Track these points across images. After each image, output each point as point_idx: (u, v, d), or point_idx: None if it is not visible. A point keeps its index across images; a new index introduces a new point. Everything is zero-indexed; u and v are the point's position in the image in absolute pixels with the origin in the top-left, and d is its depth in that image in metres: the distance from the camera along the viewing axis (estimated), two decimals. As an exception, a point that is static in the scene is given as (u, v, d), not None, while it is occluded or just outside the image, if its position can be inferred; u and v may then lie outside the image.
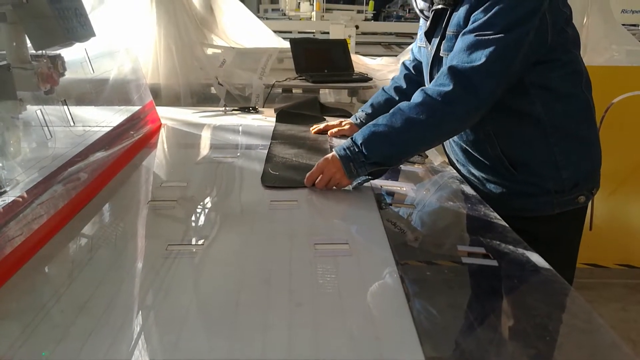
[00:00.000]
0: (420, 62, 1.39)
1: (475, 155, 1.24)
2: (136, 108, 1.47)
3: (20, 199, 0.80)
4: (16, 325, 0.64)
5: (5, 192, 0.78)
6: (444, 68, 1.09)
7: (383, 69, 2.64)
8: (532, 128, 1.16)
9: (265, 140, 1.48)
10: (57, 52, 1.00)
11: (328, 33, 3.43)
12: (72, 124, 1.06)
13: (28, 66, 0.92)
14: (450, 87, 1.05)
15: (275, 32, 2.88)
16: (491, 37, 1.04)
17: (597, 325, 0.68)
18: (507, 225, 0.97)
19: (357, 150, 1.09)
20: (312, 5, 4.96)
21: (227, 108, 1.94)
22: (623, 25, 2.82)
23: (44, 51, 0.96)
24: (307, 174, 1.12)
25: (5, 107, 0.86)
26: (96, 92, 1.26)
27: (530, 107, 1.14)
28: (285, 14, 6.00)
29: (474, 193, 1.16)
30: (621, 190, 2.30)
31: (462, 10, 1.11)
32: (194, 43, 2.48)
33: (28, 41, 0.93)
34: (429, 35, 1.25)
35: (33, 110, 0.92)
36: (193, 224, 0.98)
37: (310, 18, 4.96)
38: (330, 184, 1.11)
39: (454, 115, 1.07)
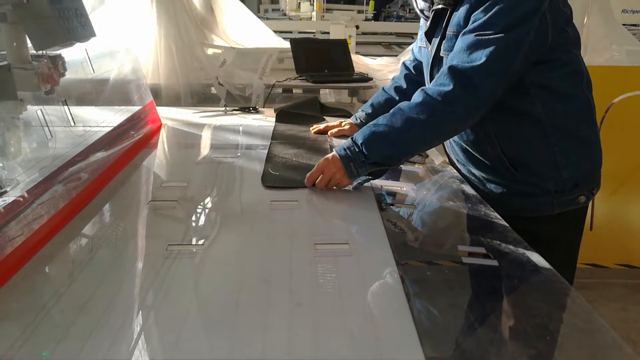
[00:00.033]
0: (421, 62, 1.39)
1: (476, 155, 1.24)
2: (136, 108, 1.47)
3: (21, 199, 0.80)
4: (16, 325, 0.64)
5: (5, 192, 0.78)
6: (444, 68, 1.09)
7: (383, 69, 2.65)
8: (533, 128, 1.16)
9: (266, 141, 1.48)
10: (58, 52, 1.00)
11: (328, 33, 3.43)
12: (72, 124, 1.06)
13: (28, 66, 0.92)
14: (450, 87, 1.05)
15: (276, 32, 2.88)
16: (491, 36, 1.04)
17: (597, 325, 0.67)
18: (507, 225, 0.97)
19: (357, 150, 1.09)
20: (313, 5, 4.96)
21: (228, 108, 1.94)
22: (623, 25, 2.82)
23: (44, 51, 0.96)
24: (308, 174, 1.12)
25: (5, 107, 0.86)
26: (96, 92, 1.26)
27: (531, 107, 1.14)
28: (285, 14, 6.00)
29: (474, 193, 1.16)
30: (621, 190, 2.30)
31: (462, 10, 1.11)
32: (194, 43, 2.48)
33: (28, 41, 0.94)
34: (429, 35, 1.25)
35: (33, 111, 0.92)
36: (193, 224, 0.98)
37: (311, 18, 4.96)
38: (330, 184, 1.11)
39: (454, 115, 1.07)
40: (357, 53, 2.91)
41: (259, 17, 3.19)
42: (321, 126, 1.58)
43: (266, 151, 1.37)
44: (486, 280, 0.82)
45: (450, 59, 1.10)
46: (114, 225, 0.98)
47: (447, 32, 1.16)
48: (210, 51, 2.59)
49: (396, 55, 2.85)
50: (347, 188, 1.12)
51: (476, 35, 1.05)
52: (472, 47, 1.05)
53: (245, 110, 1.94)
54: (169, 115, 1.79)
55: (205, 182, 1.20)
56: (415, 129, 1.08)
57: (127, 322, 0.65)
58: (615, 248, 2.39)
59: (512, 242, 0.89)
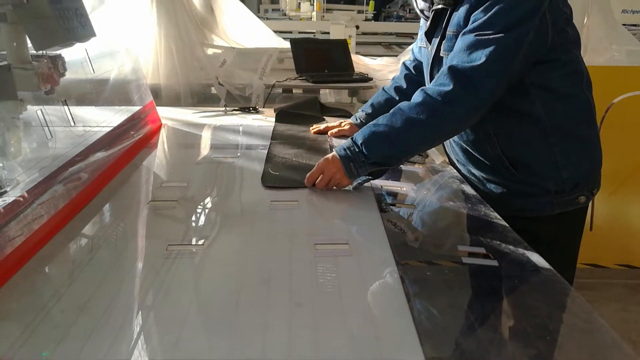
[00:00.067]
0: (421, 62, 1.39)
1: (476, 155, 1.24)
2: (136, 108, 1.47)
3: (21, 199, 0.80)
4: (16, 326, 0.64)
5: (5, 192, 0.78)
6: (444, 68, 1.09)
7: (383, 69, 2.65)
8: (533, 128, 1.16)
9: (266, 141, 1.48)
10: (58, 52, 1.00)
11: (328, 33, 3.43)
12: (72, 124, 1.06)
13: (28, 66, 0.92)
14: (450, 87, 1.05)
15: (276, 32, 2.88)
16: (491, 36, 1.04)
17: (597, 326, 0.67)
18: (507, 225, 0.97)
19: (357, 150, 1.09)
20: (313, 5, 4.96)
21: (228, 108, 1.94)
22: (623, 25, 2.82)
23: (44, 51, 0.96)
24: (308, 174, 1.12)
25: (5, 108, 0.86)
26: (96, 92, 1.26)
27: (531, 107, 1.14)
28: (285, 14, 6.00)
29: (474, 193, 1.16)
30: (621, 190, 2.30)
31: (462, 10, 1.11)
32: (195, 43, 2.48)
33: (29, 41, 0.94)
34: (429, 35, 1.25)
35: (33, 111, 0.92)
36: (193, 224, 0.98)
37: (311, 18, 4.96)
38: (330, 184, 1.11)
39: (454, 115, 1.07)
40: (357, 53, 2.91)
41: (259, 17, 3.19)
42: (321, 126, 1.58)
43: (266, 151, 1.37)
44: (486, 280, 0.82)
45: (450, 59, 1.10)
46: (114, 225, 0.98)
47: (447, 32, 1.16)
48: (210, 51, 2.59)
49: (396, 56, 2.85)
50: (347, 188, 1.12)
51: (476, 35, 1.05)
52: (472, 47, 1.05)
53: (245, 110, 1.94)
54: (169, 115, 1.79)
55: (205, 182, 1.20)
56: (415, 129, 1.08)
57: (127, 322, 0.65)
58: (615, 248, 2.39)
59: (512, 243, 0.89)
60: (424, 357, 0.59)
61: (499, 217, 1.01)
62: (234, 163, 1.31)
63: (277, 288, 0.73)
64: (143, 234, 0.93)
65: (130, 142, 1.33)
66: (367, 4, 5.87)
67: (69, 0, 1.03)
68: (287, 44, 2.62)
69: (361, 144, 1.08)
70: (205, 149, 1.51)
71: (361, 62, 2.73)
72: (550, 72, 1.12)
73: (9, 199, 0.78)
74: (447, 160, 1.41)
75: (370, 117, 1.44)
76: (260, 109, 1.96)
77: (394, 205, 1.08)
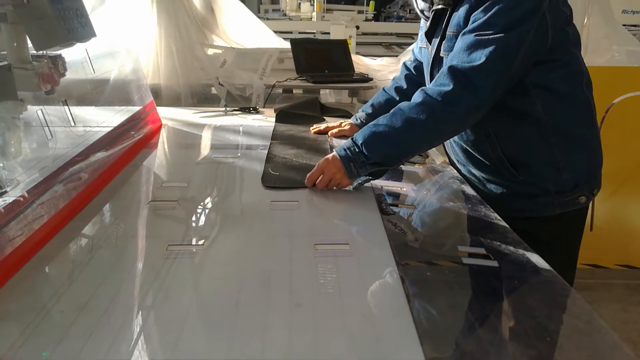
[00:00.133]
0: (421, 63, 1.39)
1: (476, 155, 1.24)
2: (137, 108, 1.47)
3: (21, 199, 0.80)
4: (16, 326, 0.64)
5: (6, 192, 0.78)
6: (444, 68, 1.09)
7: (383, 70, 2.65)
8: (533, 128, 1.16)
9: (266, 141, 1.48)
10: (58, 52, 1.00)
11: (329, 33, 3.43)
12: (72, 124, 1.06)
13: (29, 66, 0.92)
14: (450, 87, 1.05)
15: (276, 32, 2.88)
16: (491, 36, 1.04)
17: (597, 326, 0.67)
18: (507, 226, 0.97)
19: (357, 150, 1.09)
20: (313, 5, 4.96)
21: (228, 108, 1.94)
22: (624, 25, 2.82)
23: (44, 51, 0.96)
24: (308, 175, 1.12)
25: (6, 108, 0.86)
26: (97, 93, 1.26)
27: (531, 108, 1.14)
28: (285, 15, 6.00)
29: (475, 193, 1.16)
30: (622, 190, 2.30)
31: (462, 11, 1.11)
32: (195, 43, 2.48)
33: (29, 41, 0.94)
34: (429, 36, 1.25)
35: (34, 111, 0.92)
36: (193, 224, 0.98)
37: (311, 18, 4.96)
38: (330, 185, 1.11)
39: (454, 115, 1.07)
40: (357, 53, 2.91)
41: (259, 17, 3.19)
42: (321, 126, 1.58)
43: (266, 151, 1.37)
44: (486, 281, 0.82)
45: (450, 59, 1.10)
46: (114, 225, 0.98)
47: (447, 33, 1.16)
48: (210, 51, 2.59)
49: (396, 56, 2.85)
50: (347, 188, 1.12)
51: (476, 35, 1.05)
52: (472, 47, 1.05)
53: (246, 110, 1.94)
54: (169, 116, 1.79)
55: (205, 183, 1.20)
56: (415, 129, 1.08)
57: (127, 322, 0.65)
58: (615, 248, 2.39)
59: (512, 243, 0.89)
60: (424, 357, 0.59)
61: (499, 217, 1.01)
62: (234, 163, 1.31)
63: (277, 288, 0.73)
64: (143, 234, 0.93)
65: (131, 142, 1.33)
66: (368, 4, 5.88)
67: (70, 0, 1.03)
68: (287, 44, 2.62)
69: (361, 144, 1.08)
70: (205, 149, 1.51)
71: (361, 63, 2.73)
72: (551, 72, 1.12)
73: (9, 199, 0.78)
74: (447, 160, 1.41)
75: (370, 117, 1.44)
76: (260, 109, 1.96)
77: (394, 205, 1.08)
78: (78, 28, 1.05)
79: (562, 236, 1.24)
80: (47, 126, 0.94)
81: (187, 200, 1.07)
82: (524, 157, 1.19)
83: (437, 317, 0.69)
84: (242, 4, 2.80)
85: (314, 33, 4.23)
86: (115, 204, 1.06)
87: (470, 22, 1.09)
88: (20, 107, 0.88)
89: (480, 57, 1.04)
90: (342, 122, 1.55)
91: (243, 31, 2.77)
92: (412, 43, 2.31)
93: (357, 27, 3.59)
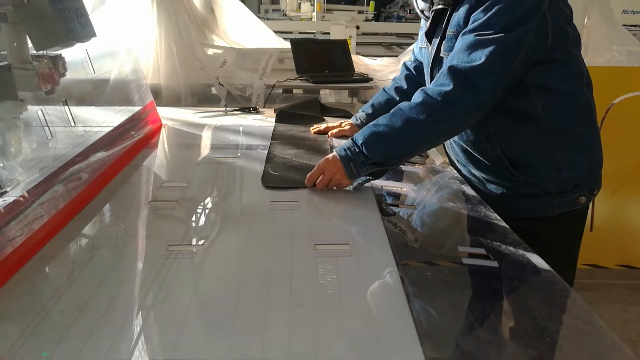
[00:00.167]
0: (421, 63, 1.39)
1: (476, 155, 1.24)
2: (137, 108, 1.47)
3: (21, 199, 0.80)
4: (16, 326, 0.64)
5: (6, 192, 0.78)
6: (444, 68, 1.09)
7: (384, 70, 2.65)
8: (533, 128, 1.16)
9: (266, 141, 1.48)
10: (58, 52, 1.00)
11: (329, 33, 3.43)
12: (72, 124, 1.06)
13: (29, 66, 0.92)
14: (450, 87, 1.05)
15: (276, 32, 2.88)
16: (491, 36, 1.04)
17: (597, 327, 0.67)
18: (507, 226, 0.97)
19: (357, 150, 1.09)
20: (313, 5, 4.97)
21: (228, 108, 1.94)
22: (624, 25, 2.82)
23: (45, 51, 0.96)
24: (308, 175, 1.12)
25: (6, 108, 0.86)
26: (97, 93, 1.26)
27: (531, 108, 1.14)
28: (285, 15, 6.01)
29: (475, 194, 1.16)
30: (622, 190, 2.30)
31: (462, 11, 1.11)
32: (195, 43, 2.48)
33: (29, 41, 0.94)
34: (429, 36, 1.25)
35: (34, 111, 0.92)
36: (193, 225, 0.98)
37: (311, 18, 4.96)
38: (330, 185, 1.11)
39: (454, 115, 1.07)
40: (357, 53, 2.91)
41: (259, 17, 3.19)
42: (321, 126, 1.58)
43: (266, 151, 1.37)
44: (486, 281, 0.82)
45: (450, 59, 1.10)
46: (114, 225, 0.98)
47: (447, 33, 1.17)
48: (210, 51, 2.59)
49: (396, 56, 2.85)
50: (347, 188, 1.12)
51: (476, 35, 1.05)
52: (472, 47, 1.05)
53: (246, 110, 1.94)
54: (169, 116, 1.79)
55: (205, 183, 1.20)
56: (415, 129, 1.08)
57: (127, 322, 0.65)
58: (615, 249, 2.39)
59: (512, 244, 0.89)
60: (423, 357, 0.59)
61: (499, 218, 1.01)
62: (234, 163, 1.31)
63: (277, 288, 0.73)
64: (143, 234, 0.93)
65: (131, 142, 1.33)
66: (368, 4, 5.88)
67: (70, 1, 1.03)
68: (287, 45, 2.62)
69: (361, 144, 1.08)
70: (205, 149, 1.51)
71: (361, 63, 2.73)
72: (551, 72, 1.12)
73: (9, 199, 0.78)
74: (448, 160, 1.41)
75: (370, 117, 1.44)
76: (260, 109, 1.96)
77: (394, 205, 1.08)
78: (78, 28, 1.05)
79: (562, 236, 1.24)
80: (47, 126, 0.94)
81: (187, 200, 1.07)
82: (524, 157, 1.19)
83: (437, 317, 0.69)
84: (242, 4, 2.80)
85: (314, 33, 4.23)
86: (116, 204, 1.06)
87: (470, 22, 1.09)
88: (20, 107, 0.88)
89: (480, 57, 1.04)
90: (342, 122, 1.55)
91: (243, 31, 2.77)
92: (412, 43, 2.30)
93: (357, 27, 3.59)
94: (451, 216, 1.07)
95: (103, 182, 1.11)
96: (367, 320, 0.67)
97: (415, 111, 1.07)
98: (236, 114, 1.89)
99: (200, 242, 0.87)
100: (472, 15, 1.08)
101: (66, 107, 1.05)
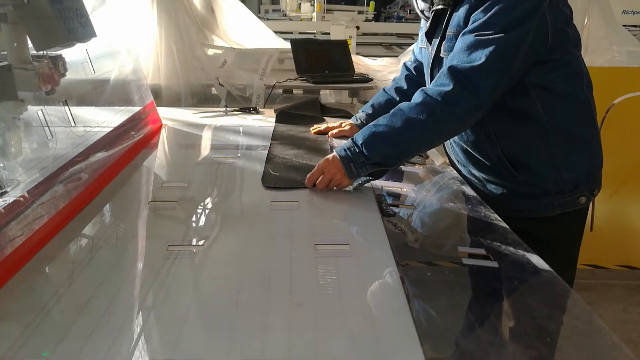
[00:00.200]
0: (422, 63, 1.39)
1: (476, 155, 1.24)
2: (137, 108, 1.47)
3: (21, 199, 0.80)
4: (17, 326, 0.64)
5: (6, 192, 0.78)
6: (444, 68, 1.09)
7: (384, 70, 2.65)
8: (533, 129, 1.16)
9: (266, 141, 1.48)
10: (58, 52, 1.00)
11: (329, 34, 3.43)
12: (73, 124, 1.06)
13: (29, 66, 0.92)
14: (450, 87, 1.05)
15: (276, 32, 2.88)
16: (491, 37, 1.04)
17: (597, 327, 0.67)
18: (507, 226, 0.97)
19: (357, 150, 1.09)
20: (313, 6, 4.97)
21: (228, 109, 1.94)
22: (624, 26, 2.82)
23: (45, 52, 0.96)
24: (308, 175, 1.12)
25: (6, 108, 0.86)
26: (97, 93, 1.26)
27: (531, 108, 1.14)
28: (286, 15, 6.01)
29: (475, 194, 1.16)
30: (622, 191, 2.30)
31: (462, 11, 1.12)
32: (195, 43, 2.48)
33: (29, 41, 0.94)
34: (429, 36, 1.25)
35: (34, 111, 0.92)
36: (193, 225, 0.98)
37: (311, 19, 4.97)
38: (331, 185, 1.11)
39: (454, 115, 1.07)
40: (357, 54, 2.91)
41: (259, 17, 3.19)
42: (321, 127, 1.58)
43: (266, 152, 1.37)
44: (486, 281, 0.82)
45: (450, 59, 1.10)
46: (114, 225, 0.98)
47: (447, 33, 1.17)
48: (210, 52, 2.59)
49: (396, 56, 2.85)
50: (347, 189, 1.12)
51: (476, 36, 1.05)
52: (472, 47, 1.05)
53: (246, 110, 1.94)
54: (170, 116, 1.79)
55: (205, 183, 1.20)
56: (415, 129, 1.08)
57: (127, 323, 0.65)
58: (615, 249, 2.39)
59: (512, 244, 0.89)
60: (423, 357, 0.59)
61: (499, 218, 1.01)
62: (234, 163, 1.31)
63: (277, 288, 0.73)
64: (143, 235, 0.93)
65: (131, 143, 1.33)
66: (368, 4, 5.88)
67: (70, 1, 1.03)
68: (287, 45, 2.62)
69: (361, 144, 1.08)
70: (205, 149, 1.51)
71: (361, 63, 2.73)
72: (551, 72, 1.12)
73: (9, 199, 0.78)
74: (448, 161, 1.41)
75: (370, 117, 1.44)
76: (260, 110, 1.96)
77: (394, 206, 1.08)
78: (78, 28, 1.05)
79: (562, 236, 1.24)
80: (48, 126, 0.94)
81: (187, 201, 1.07)
82: (524, 157, 1.19)
83: (437, 318, 0.69)
84: (242, 4, 2.80)
85: (314, 33, 4.23)
86: (116, 204, 1.06)
87: (470, 22, 1.09)
88: (20, 108, 0.88)
89: (480, 57, 1.04)
90: (342, 123, 1.55)
91: (243, 31, 2.77)
92: (412, 43, 2.30)
93: (358, 28, 3.59)
94: (451, 216, 1.07)
95: (103, 182, 1.11)
96: (367, 320, 0.67)
97: (415, 111, 1.07)
98: (236, 114, 1.89)
99: (201, 243, 0.87)
100: (472, 15, 1.08)
101: (66, 108, 1.05)
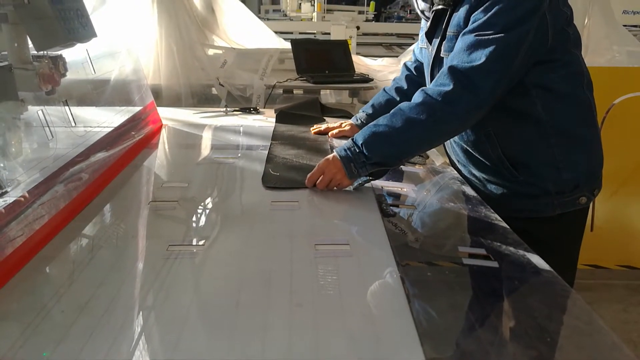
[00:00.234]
0: (422, 63, 1.39)
1: (476, 155, 1.24)
2: (137, 109, 1.47)
3: (22, 199, 0.80)
4: (17, 326, 0.64)
5: (6, 192, 0.78)
6: (444, 68, 1.09)
7: (384, 70, 2.65)
8: (533, 129, 1.16)
9: (266, 141, 1.48)
10: (59, 52, 1.00)
11: (329, 34, 3.43)
12: (73, 124, 1.06)
13: (29, 67, 0.92)
14: (450, 87, 1.05)
15: (276, 32, 2.88)
16: (491, 36, 1.04)
17: (597, 327, 0.67)
18: (507, 226, 0.97)
19: (357, 150, 1.09)
20: (313, 6, 4.97)
21: (228, 109, 1.94)
22: (624, 26, 2.82)
23: (45, 52, 0.96)
24: (308, 175, 1.12)
25: (6, 108, 0.86)
26: (97, 93, 1.27)
27: (531, 108, 1.14)
28: (286, 15, 6.02)
29: (475, 194, 1.16)
30: (622, 191, 2.29)
31: (462, 11, 1.12)
32: (195, 44, 2.48)
33: (30, 42, 0.94)
34: (429, 36, 1.25)
35: (34, 111, 0.92)
36: (194, 225, 0.98)
37: (311, 19, 4.97)
38: (331, 185, 1.11)
39: (454, 115, 1.07)
40: (357, 54, 2.91)
41: (259, 17, 3.19)
42: (322, 127, 1.58)
43: (267, 152, 1.37)
44: (486, 281, 0.82)
45: (450, 59, 1.10)
46: (114, 225, 0.98)
47: (447, 33, 1.17)
48: (211, 52, 2.59)
49: (397, 56, 2.85)
50: (347, 189, 1.12)
51: (476, 36, 1.05)
52: (472, 47, 1.05)
53: (246, 110, 1.94)
54: (170, 116, 1.79)
55: (205, 183, 1.20)
56: (416, 129, 1.08)
57: (127, 323, 0.65)
58: (616, 249, 2.39)
59: (512, 244, 0.89)
60: (424, 357, 0.59)
61: (499, 218, 1.01)
62: (234, 163, 1.31)
63: (277, 288, 0.73)
64: (143, 235, 0.93)
65: (131, 143, 1.33)
66: (368, 4, 5.88)
67: (70, 1, 1.03)
68: (287, 45, 2.62)
69: (361, 144, 1.08)
70: (205, 149, 1.51)
71: (362, 63, 2.73)
72: (551, 72, 1.12)
73: (9, 199, 0.78)
74: (448, 161, 1.41)
75: (370, 117, 1.44)
76: (260, 110, 1.96)
77: (394, 206, 1.08)
78: (79, 28, 1.05)
79: (562, 236, 1.24)
80: (48, 126, 0.94)
81: (188, 201, 1.07)
82: (524, 157, 1.19)
83: (437, 318, 0.69)
84: (242, 5, 2.80)
85: (314, 33, 4.23)
86: (116, 204, 1.06)
87: (470, 22, 1.09)
88: (20, 108, 0.88)
89: (480, 57, 1.04)
90: (342, 123, 1.55)
91: (243, 31, 2.77)
92: (413, 43, 2.30)
93: (358, 28, 3.59)
94: (451, 216, 1.07)
95: (103, 182, 1.11)
96: (367, 320, 0.67)
97: (415, 111, 1.07)
98: (236, 114, 1.89)
99: (201, 243, 0.87)
100: (472, 15, 1.08)
101: (67, 108, 1.05)
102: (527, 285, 0.81)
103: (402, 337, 0.62)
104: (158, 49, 2.38)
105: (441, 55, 1.19)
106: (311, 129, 1.60)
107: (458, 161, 1.33)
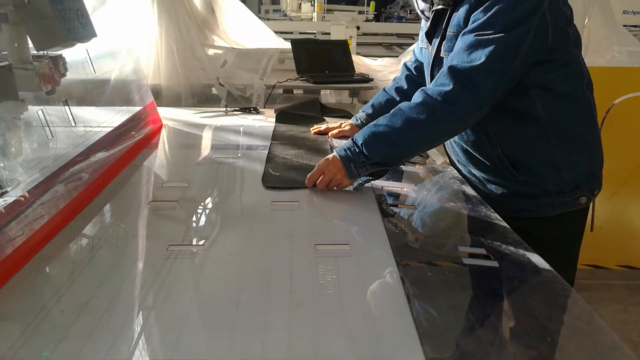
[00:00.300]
0: (422, 63, 1.39)
1: (476, 155, 1.24)
2: (137, 108, 1.47)
3: (22, 199, 0.80)
4: (17, 326, 0.64)
5: (6, 192, 0.78)
6: (444, 68, 1.09)
7: (384, 70, 2.65)
8: (533, 129, 1.16)
9: (266, 141, 1.48)
10: (59, 52, 1.00)
11: (329, 34, 3.43)
12: (73, 124, 1.06)
13: (29, 67, 0.92)
14: (450, 87, 1.05)
15: (276, 32, 2.88)
16: (491, 36, 1.04)
17: (597, 327, 0.67)
18: (507, 226, 0.97)
19: (357, 150, 1.09)
20: (313, 6, 4.97)
21: (228, 109, 1.94)
22: (624, 26, 2.82)
23: (45, 52, 0.96)
24: (308, 175, 1.12)
25: (6, 108, 0.86)
26: (97, 93, 1.27)
27: (531, 108, 1.14)
28: (286, 15, 6.02)
29: (475, 194, 1.16)
30: (622, 191, 2.29)
31: (462, 11, 1.12)
32: (195, 44, 2.48)
33: (30, 42, 0.94)
34: (429, 36, 1.26)
35: (34, 111, 0.92)
36: (194, 225, 0.98)
37: (312, 19, 4.97)
38: (331, 185, 1.11)
39: (454, 115, 1.07)
40: (357, 54, 2.91)
41: (259, 17, 3.19)
42: (322, 127, 1.58)
43: (267, 152, 1.37)
44: (486, 281, 0.82)
45: (450, 59, 1.10)
46: (114, 225, 0.98)
47: (447, 33, 1.17)
48: (211, 52, 2.59)
49: (397, 56, 2.85)
50: (347, 189, 1.12)
51: (476, 36, 1.05)
52: (472, 47, 1.05)
53: (246, 110, 1.94)
54: (170, 116, 1.79)
55: (205, 183, 1.20)
56: (415, 129, 1.08)
57: (127, 323, 0.65)
58: (616, 249, 2.39)
59: (512, 243, 0.89)
60: (424, 357, 0.59)
61: (499, 218, 1.01)
62: (234, 163, 1.31)
63: (277, 288, 0.73)
64: (143, 234, 0.93)
65: (131, 143, 1.33)
66: (368, 4, 5.89)
67: (70, 1, 1.03)
68: (287, 45, 2.62)
69: (361, 144, 1.08)
70: (205, 149, 1.51)
71: (362, 63, 2.73)
72: (551, 72, 1.12)
73: (9, 199, 0.78)
74: (448, 160, 1.41)
75: (370, 117, 1.44)
76: (260, 110, 1.96)
77: (394, 205, 1.08)
78: (79, 28, 1.05)
79: (562, 236, 1.24)
80: (48, 126, 0.94)
81: (188, 201, 1.07)
82: (524, 157, 1.19)
83: (437, 318, 0.69)
84: (242, 4, 2.80)
85: (314, 33, 4.23)
86: (116, 204, 1.06)
87: (470, 22, 1.09)
88: (21, 107, 0.88)
89: (480, 57, 1.04)
90: (342, 123, 1.55)
91: (244, 31, 2.77)
92: (413, 43, 2.30)
93: (358, 28, 3.59)
94: (451, 216, 1.07)
95: (103, 182, 1.11)
96: (367, 320, 0.67)
97: (415, 111, 1.07)
98: (236, 114, 1.89)
99: (201, 242, 0.87)
100: (472, 15, 1.08)
101: (67, 107, 1.05)
102: (527, 285, 0.81)
103: (402, 337, 0.62)
104: (158, 49, 2.38)
105: (441, 55, 1.19)
106: (311, 129, 1.60)
107: (458, 161, 1.33)
